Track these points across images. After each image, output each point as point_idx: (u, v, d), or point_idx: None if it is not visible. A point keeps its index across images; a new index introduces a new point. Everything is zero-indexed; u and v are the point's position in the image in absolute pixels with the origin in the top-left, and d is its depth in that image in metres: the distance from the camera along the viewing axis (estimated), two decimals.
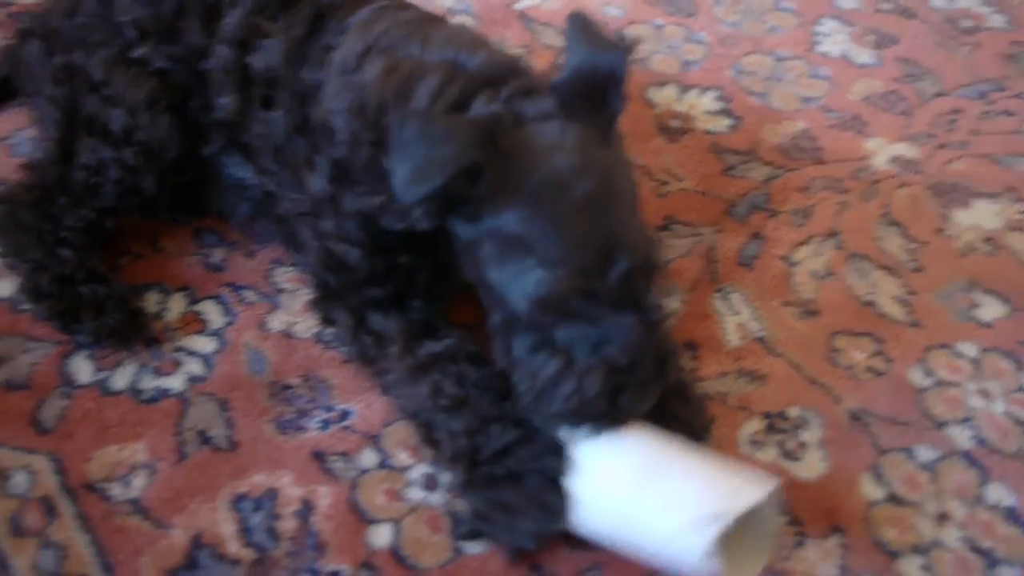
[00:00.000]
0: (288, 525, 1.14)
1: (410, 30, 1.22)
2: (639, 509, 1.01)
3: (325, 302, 1.29)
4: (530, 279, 1.01)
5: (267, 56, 1.30)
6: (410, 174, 0.98)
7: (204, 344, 1.32)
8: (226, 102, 1.33)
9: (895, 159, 1.63)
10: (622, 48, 1.10)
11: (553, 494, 1.07)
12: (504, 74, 1.14)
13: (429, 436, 1.17)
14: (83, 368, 1.28)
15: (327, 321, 1.30)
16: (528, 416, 1.09)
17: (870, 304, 1.40)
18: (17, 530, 1.13)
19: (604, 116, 1.10)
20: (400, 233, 1.14)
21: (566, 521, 1.06)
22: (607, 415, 1.03)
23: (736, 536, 0.99)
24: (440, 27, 1.26)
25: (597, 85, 1.09)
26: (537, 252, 1.00)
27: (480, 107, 1.10)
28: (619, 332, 1.01)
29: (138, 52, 1.34)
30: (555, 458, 1.07)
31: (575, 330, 1.02)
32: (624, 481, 1.03)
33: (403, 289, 1.24)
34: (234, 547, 1.12)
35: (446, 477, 1.18)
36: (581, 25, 1.13)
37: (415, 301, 1.24)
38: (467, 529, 1.13)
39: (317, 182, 1.23)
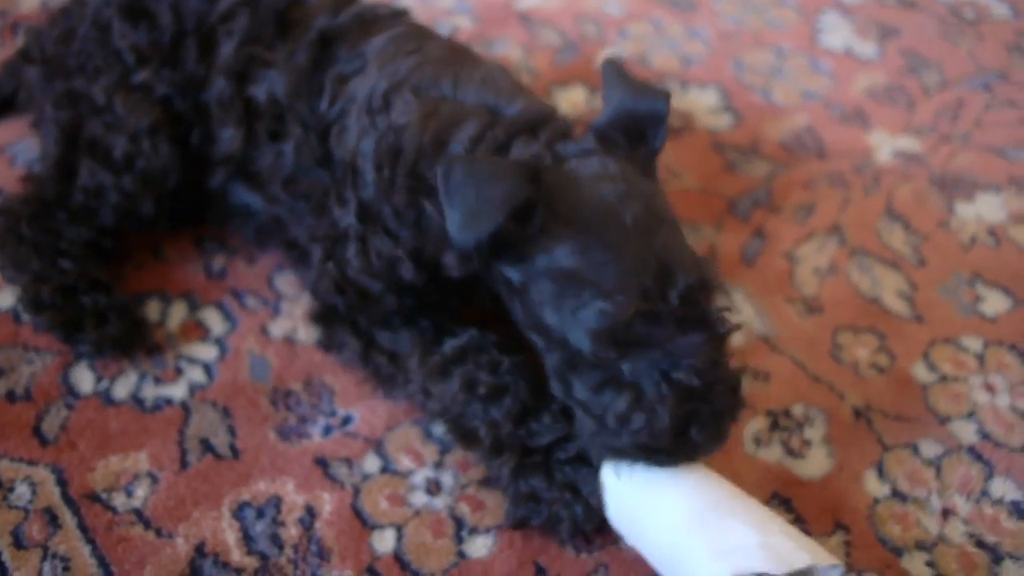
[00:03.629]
0: (291, 532, 1.13)
1: (440, 69, 1.21)
2: (687, 541, 0.98)
3: (330, 326, 1.28)
4: (591, 312, 0.98)
5: (270, 87, 1.30)
6: (463, 218, 0.97)
7: (206, 351, 1.32)
8: (229, 136, 1.33)
9: (898, 153, 1.62)
10: (663, 91, 1.10)
11: (592, 489, 1.08)
12: (542, 120, 1.14)
13: (463, 430, 1.17)
14: (85, 378, 1.28)
15: (333, 347, 1.30)
16: (588, 452, 1.08)
17: (874, 300, 1.39)
18: (20, 542, 1.13)
19: (644, 152, 1.09)
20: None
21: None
22: (677, 449, 1.00)
23: None
24: (471, 66, 1.23)
25: (637, 124, 1.09)
26: (594, 283, 0.98)
27: (520, 150, 1.10)
28: (688, 351, 0.98)
29: (139, 78, 1.34)
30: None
31: (642, 360, 0.99)
32: (681, 510, 1.00)
33: (416, 314, 1.24)
34: (237, 555, 1.12)
35: (449, 480, 1.18)
36: (616, 71, 1.13)
37: (425, 315, 1.24)
38: (517, 518, 1.12)
39: (345, 217, 1.22)
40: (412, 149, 1.14)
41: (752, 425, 1.24)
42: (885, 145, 1.64)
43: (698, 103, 1.70)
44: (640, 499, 1.03)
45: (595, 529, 1.11)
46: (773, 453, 1.22)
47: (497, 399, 1.14)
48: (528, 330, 1.09)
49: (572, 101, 1.70)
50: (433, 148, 1.13)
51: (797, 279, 1.42)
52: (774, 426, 1.24)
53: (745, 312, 1.37)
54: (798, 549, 0.94)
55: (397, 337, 1.24)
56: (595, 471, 1.07)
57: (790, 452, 1.22)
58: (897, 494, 1.18)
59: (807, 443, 1.23)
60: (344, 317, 1.27)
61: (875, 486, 1.19)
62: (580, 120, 1.66)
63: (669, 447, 0.99)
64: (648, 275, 0.97)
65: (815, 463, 1.21)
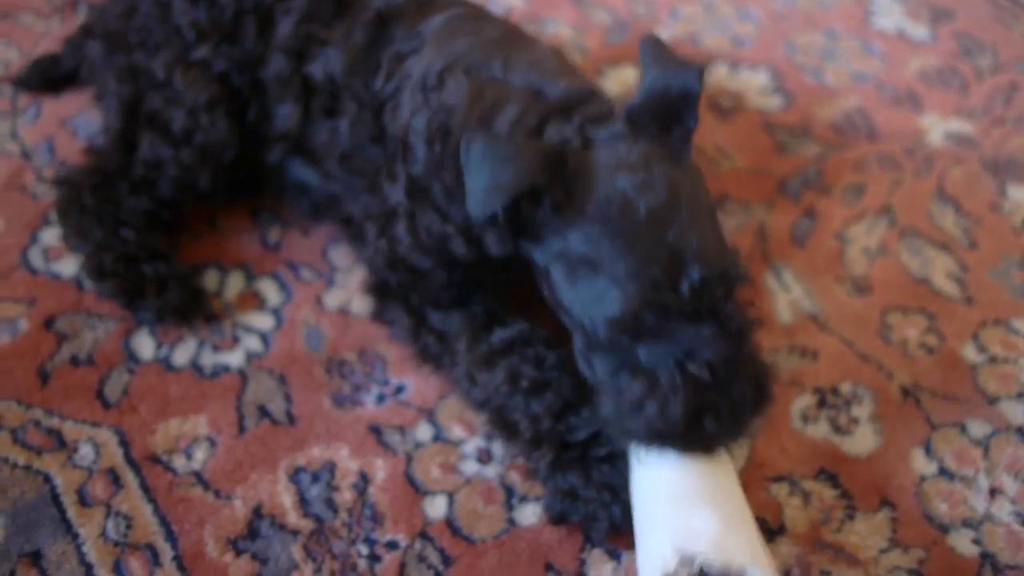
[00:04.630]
0: (346, 497, 1.16)
1: (493, 50, 1.21)
2: (658, 515, 1.00)
3: (383, 300, 1.31)
4: (603, 299, 0.99)
5: (327, 65, 1.32)
6: (476, 193, 0.99)
7: (262, 321, 1.35)
8: (286, 113, 1.36)
9: (950, 135, 1.62)
10: (695, 67, 1.08)
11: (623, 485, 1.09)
12: (580, 101, 1.13)
13: (504, 422, 1.18)
14: (145, 344, 1.32)
15: (385, 321, 1.32)
16: (611, 436, 1.09)
17: (923, 281, 1.39)
18: (84, 500, 1.17)
19: (678, 133, 1.08)
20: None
21: None
22: (691, 439, 0.99)
23: None
24: (524, 48, 1.24)
25: (671, 104, 1.07)
26: (606, 271, 0.99)
27: (552, 132, 1.10)
28: (701, 344, 0.97)
29: (198, 54, 1.37)
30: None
31: (656, 349, 0.99)
32: (665, 490, 1.01)
33: (467, 292, 1.26)
34: (294, 517, 1.15)
35: (499, 450, 1.20)
36: (653, 47, 1.11)
37: (476, 297, 1.26)
38: (556, 512, 1.14)
39: (395, 193, 1.24)
40: (460, 129, 1.16)
41: (800, 402, 1.25)
42: (937, 127, 1.63)
43: (749, 84, 1.71)
44: (638, 474, 1.04)
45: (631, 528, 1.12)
46: (820, 430, 1.23)
47: (539, 394, 1.16)
48: (556, 310, 1.10)
49: (622, 80, 1.71)
50: (478, 128, 1.14)
51: (847, 259, 1.42)
52: (822, 403, 1.25)
53: (794, 291, 1.37)
54: (746, 552, 0.94)
55: (448, 318, 1.26)
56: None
57: (837, 429, 1.23)
58: (944, 472, 1.19)
59: (855, 420, 1.23)
60: (397, 293, 1.29)
61: (922, 464, 1.19)
62: (630, 98, 1.66)
63: (683, 436, 0.99)
64: (658, 266, 0.97)
65: (862, 440, 1.21)
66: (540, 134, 1.11)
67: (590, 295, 1.01)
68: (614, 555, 1.12)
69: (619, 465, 1.10)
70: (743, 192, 1.52)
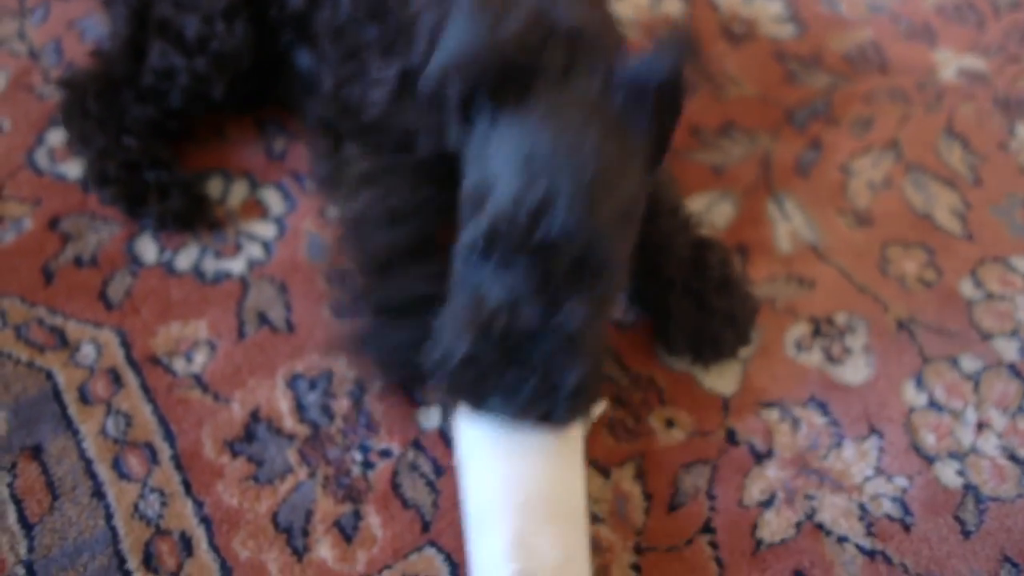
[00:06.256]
0: (342, 404, 1.18)
1: None
2: (495, 521, 0.97)
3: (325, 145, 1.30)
4: (478, 204, 0.97)
5: None
6: (440, 49, 0.97)
7: (265, 230, 1.35)
8: None
9: (963, 71, 1.60)
10: (669, 48, 0.98)
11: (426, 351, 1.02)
12: (581, 33, 1.05)
13: (352, 248, 1.15)
14: (149, 248, 1.33)
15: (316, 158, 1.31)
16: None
17: (926, 216, 1.39)
18: (85, 398, 1.19)
19: (649, 134, 1.01)
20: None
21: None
22: (464, 392, 0.96)
23: None
24: None
25: (644, 94, 0.99)
26: (493, 177, 0.96)
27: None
28: (520, 299, 0.93)
29: None
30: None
31: (494, 283, 0.95)
32: (505, 489, 0.98)
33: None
34: (290, 422, 1.17)
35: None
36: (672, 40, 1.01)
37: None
38: (345, 344, 1.12)
39: (379, 91, 1.21)
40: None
41: (794, 330, 1.26)
42: (950, 63, 1.62)
43: (763, 11, 1.69)
44: (475, 447, 1.01)
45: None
46: (813, 358, 1.24)
47: (385, 228, 1.14)
48: None
49: (634, 2, 1.69)
50: None
51: (850, 191, 1.42)
52: (816, 332, 1.26)
53: (795, 221, 1.38)
54: None
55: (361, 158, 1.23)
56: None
57: (830, 358, 1.24)
58: (934, 404, 1.20)
59: (848, 350, 1.25)
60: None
61: (912, 395, 1.21)
62: (641, 22, 1.65)
63: (452, 382, 0.96)
64: (528, 201, 0.93)
65: (854, 370, 1.23)
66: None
67: (464, 196, 1.00)
68: None
69: (411, 324, 1.06)
70: (750, 120, 1.51)
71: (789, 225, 1.37)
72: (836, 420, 1.18)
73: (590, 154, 0.95)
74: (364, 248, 1.15)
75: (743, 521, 1.10)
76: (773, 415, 1.18)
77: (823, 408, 1.19)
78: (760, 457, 1.15)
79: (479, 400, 0.96)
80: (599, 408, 1.06)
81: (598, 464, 1.15)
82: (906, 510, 1.11)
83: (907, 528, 1.10)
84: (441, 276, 1.06)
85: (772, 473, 1.14)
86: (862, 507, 1.11)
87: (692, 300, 1.21)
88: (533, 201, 0.93)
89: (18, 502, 1.10)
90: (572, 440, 1.02)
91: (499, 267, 0.95)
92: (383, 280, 1.12)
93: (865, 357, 1.24)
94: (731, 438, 1.17)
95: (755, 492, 1.12)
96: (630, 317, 1.27)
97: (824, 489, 1.13)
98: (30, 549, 1.07)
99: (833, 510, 1.11)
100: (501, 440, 1.00)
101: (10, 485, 1.11)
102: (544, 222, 0.92)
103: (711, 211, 1.38)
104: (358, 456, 1.14)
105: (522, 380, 0.93)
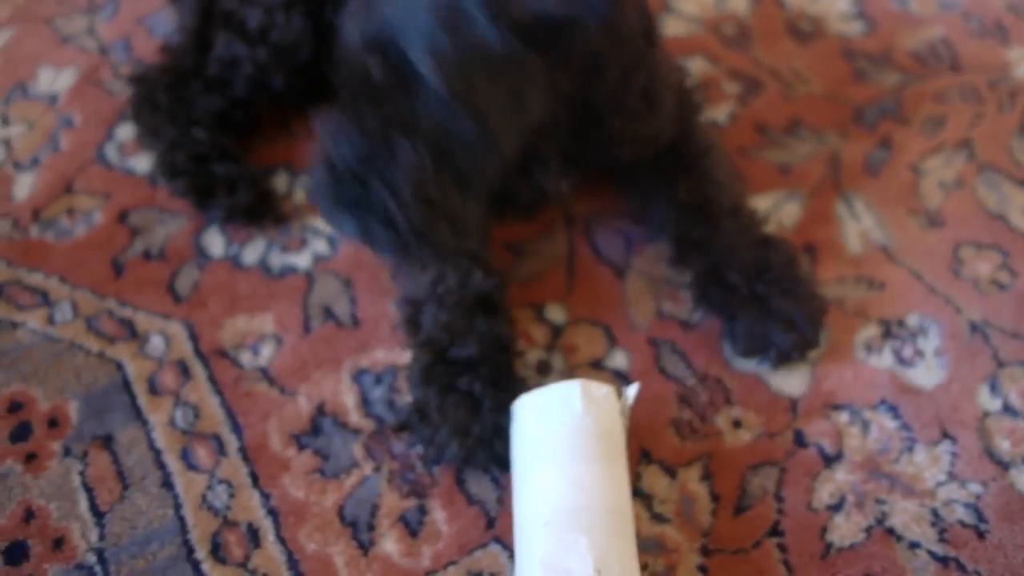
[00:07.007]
0: (407, 400, 1.18)
1: None
2: (536, 533, 0.97)
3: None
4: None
5: None
6: None
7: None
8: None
9: None
10: None
11: (484, 432, 1.09)
12: None
13: (414, 318, 1.18)
14: (216, 242, 1.34)
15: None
16: None
17: (1000, 217, 1.36)
18: (154, 389, 1.20)
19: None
20: None
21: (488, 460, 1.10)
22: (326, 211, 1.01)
23: None
24: None
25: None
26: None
27: None
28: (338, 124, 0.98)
29: None
30: (502, 414, 1.09)
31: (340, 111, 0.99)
32: (549, 499, 0.99)
33: None
34: (355, 417, 1.17)
35: (559, 362, 1.21)
36: None
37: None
38: (399, 421, 1.16)
39: None
40: None
41: (864, 332, 1.24)
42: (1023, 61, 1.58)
43: (831, 8, 1.66)
44: (527, 463, 1.03)
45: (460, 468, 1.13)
46: (884, 361, 1.21)
47: (449, 305, 1.16)
48: None
49: (699, 0, 1.67)
50: None
51: (921, 191, 1.39)
52: (887, 334, 1.24)
53: (865, 221, 1.35)
54: None
55: None
56: (493, 427, 1.09)
57: (901, 361, 1.21)
58: (1009, 409, 1.17)
59: (920, 353, 1.22)
60: None
61: (987, 400, 1.18)
62: (707, 20, 1.63)
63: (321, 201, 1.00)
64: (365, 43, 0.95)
65: (926, 373, 1.20)
66: None
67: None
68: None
69: (484, 407, 1.10)
70: (817, 118, 1.49)
71: (858, 225, 1.35)
72: (907, 424, 1.16)
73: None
74: (421, 328, 1.18)
75: (812, 524, 1.08)
76: (842, 418, 1.16)
77: (894, 411, 1.17)
78: (829, 460, 1.13)
79: (332, 219, 1.01)
80: (633, 393, 1.07)
81: (664, 464, 1.13)
82: (980, 517, 1.09)
83: (981, 535, 1.08)
84: (492, 342, 1.14)
85: (842, 476, 1.12)
86: (935, 513, 1.09)
87: (756, 303, 1.19)
88: (373, 38, 0.94)
89: (89, 490, 1.12)
90: (615, 442, 1.03)
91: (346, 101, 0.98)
92: (439, 356, 1.14)
93: (937, 360, 1.21)
94: (799, 440, 1.15)
95: (824, 495, 1.10)
96: (696, 317, 1.25)
97: (895, 494, 1.10)
98: (101, 537, 1.08)
99: (904, 515, 1.09)
100: (546, 445, 1.01)
101: (82, 473, 1.13)
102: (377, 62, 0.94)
103: (778, 210, 1.36)
104: (423, 451, 1.14)
105: (364, 209, 0.98)
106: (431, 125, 0.95)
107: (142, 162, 1.42)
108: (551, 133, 1.11)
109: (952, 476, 1.12)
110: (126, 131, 1.45)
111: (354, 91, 0.97)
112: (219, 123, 1.40)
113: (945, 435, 1.15)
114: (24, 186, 1.41)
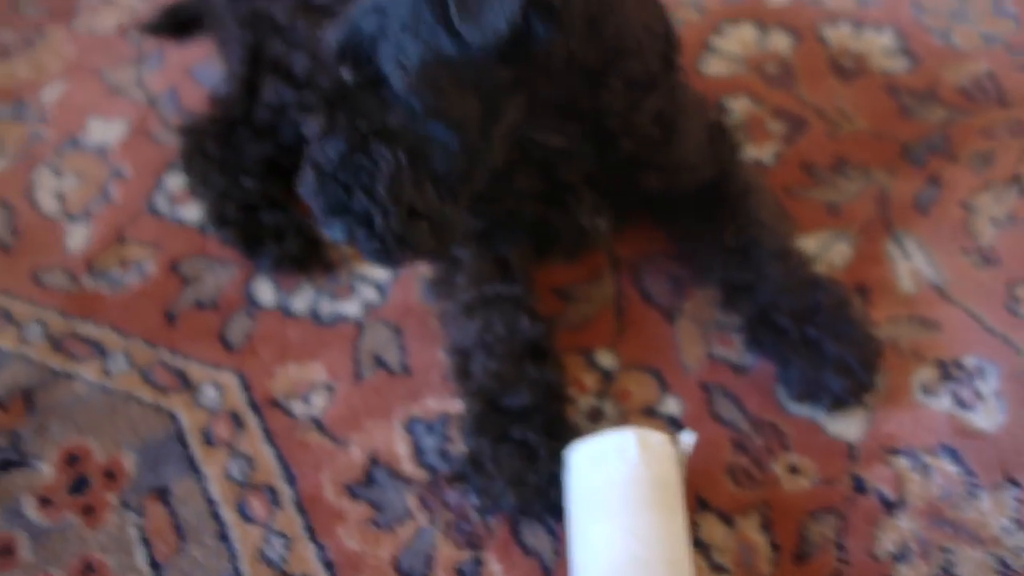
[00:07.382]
0: (460, 448, 1.18)
1: None
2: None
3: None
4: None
5: None
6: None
7: (378, 272, 1.36)
8: None
9: None
10: None
11: (540, 481, 1.09)
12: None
13: (463, 367, 1.19)
14: (266, 290, 1.35)
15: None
16: None
17: None
18: (208, 440, 1.20)
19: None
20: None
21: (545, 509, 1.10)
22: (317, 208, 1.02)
23: None
24: None
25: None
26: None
27: None
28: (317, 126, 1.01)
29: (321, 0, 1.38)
30: (556, 463, 1.09)
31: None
32: (613, 548, 0.99)
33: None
34: (409, 467, 1.17)
35: (610, 409, 1.20)
36: None
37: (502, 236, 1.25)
38: (454, 471, 1.16)
39: None
40: None
41: (921, 374, 1.22)
42: None
43: (874, 45, 1.65)
44: (583, 513, 1.03)
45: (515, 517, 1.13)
46: (943, 403, 1.20)
47: (499, 354, 1.17)
48: None
49: (741, 39, 1.67)
50: None
51: (973, 229, 1.37)
52: (944, 376, 1.22)
53: (916, 260, 1.34)
54: None
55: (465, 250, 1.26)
56: (548, 474, 1.09)
57: (960, 403, 1.20)
58: None
59: (979, 395, 1.20)
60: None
61: None
62: (749, 59, 1.63)
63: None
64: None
65: (986, 416, 1.18)
66: None
67: None
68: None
69: (539, 456, 1.10)
70: (864, 156, 1.48)
71: (910, 264, 1.34)
72: (969, 468, 1.14)
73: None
74: (471, 377, 1.18)
75: (875, 574, 1.07)
76: (902, 463, 1.15)
77: (954, 456, 1.15)
78: (891, 506, 1.11)
79: (321, 222, 1.02)
80: (690, 440, 1.06)
81: (721, 512, 1.12)
82: None
83: None
84: (544, 389, 1.15)
85: (904, 524, 1.10)
86: (1002, 562, 1.07)
87: (808, 347, 1.18)
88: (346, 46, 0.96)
89: (147, 543, 1.12)
90: (672, 491, 1.02)
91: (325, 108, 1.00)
92: (491, 405, 1.15)
93: (998, 402, 1.19)
94: (859, 486, 1.13)
95: (887, 543, 1.08)
96: (748, 360, 1.24)
97: (960, 542, 1.08)
98: None
99: (970, 564, 1.07)
100: (602, 495, 1.01)
101: (139, 526, 1.13)
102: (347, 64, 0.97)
103: (828, 250, 1.35)
104: (477, 501, 1.14)
105: (348, 213, 0.99)
106: (406, 131, 0.97)
107: (191, 211, 1.44)
108: (570, 154, 1.12)
109: (1018, 523, 1.09)
110: (175, 181, 1.47)
111: (331, 98, 1.00)
112: (267, 171, 1.42)
113: (1009, 480, 1.13)
114: (77, 237, 1.42)
